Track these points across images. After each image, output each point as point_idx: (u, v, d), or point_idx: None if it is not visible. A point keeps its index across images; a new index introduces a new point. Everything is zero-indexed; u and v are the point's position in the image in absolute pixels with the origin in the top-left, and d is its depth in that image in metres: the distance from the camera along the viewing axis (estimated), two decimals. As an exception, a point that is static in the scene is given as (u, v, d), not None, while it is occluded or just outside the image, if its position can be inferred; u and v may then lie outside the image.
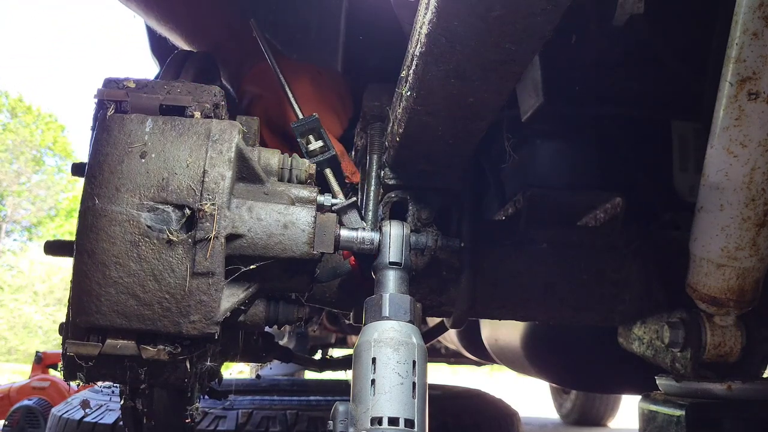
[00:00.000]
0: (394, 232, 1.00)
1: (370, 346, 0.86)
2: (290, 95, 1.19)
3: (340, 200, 1.08)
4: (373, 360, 0.84)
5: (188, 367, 0.93)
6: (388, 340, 0.86)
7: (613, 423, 5.23)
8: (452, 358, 4.28)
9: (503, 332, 2.38)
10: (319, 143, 1.14)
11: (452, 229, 1.18)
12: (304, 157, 1.13)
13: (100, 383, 1.01)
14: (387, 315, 0.90)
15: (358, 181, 1.27)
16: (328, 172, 1.14)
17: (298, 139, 1.14)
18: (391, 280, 0.97)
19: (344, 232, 1.00)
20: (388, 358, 0.84)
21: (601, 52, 1.32)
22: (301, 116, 1.17)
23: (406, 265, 0.99)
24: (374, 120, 1.18)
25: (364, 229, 1.02)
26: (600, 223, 1.47)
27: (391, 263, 0.98)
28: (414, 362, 0.85)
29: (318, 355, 4.17)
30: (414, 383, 0.84)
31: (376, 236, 1.00)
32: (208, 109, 0.97)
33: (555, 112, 1.37)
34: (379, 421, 0.81)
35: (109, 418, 2.09)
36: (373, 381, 0.83)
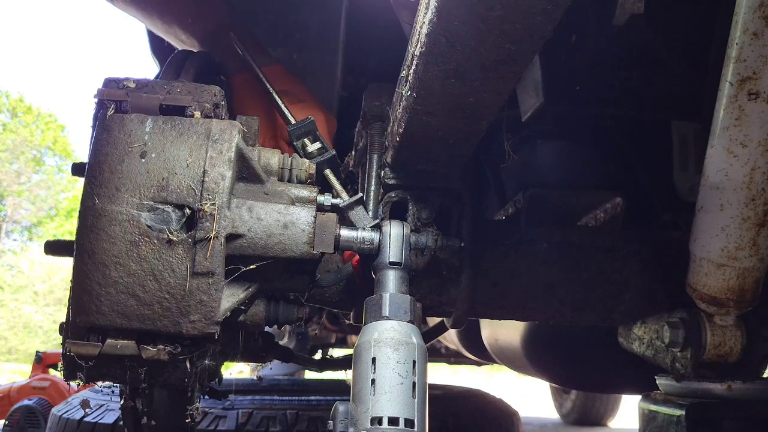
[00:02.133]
0: (394, 232, 1.00)
1: (370, 345, 0.85)
2: (279, 101, 1.20)
3: (344, 198, 1.08)
4: (373, 360, 0.84)
5: (188, 366, 0.93)
6: (388, 340, 0.86)
7: (613, 423, 5.24)
8: (452, 358, 4.28)
9: (503, 332, 2.38)
10: (317, 145, 1.14)
11: (452, 229, 1.18)
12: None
13: (100, 383, 1.01)
14: (387, 315, 0.90)
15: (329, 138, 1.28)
16: (328, 172, 1.14)
17: (294, 143, 1.14)
18: (391, 279, 0.96)
19: (344, 232, 0.99)
20: (388, 357, 0.84)
21: (601, 52, 1.32)
22: (293, 120, 1.17)
23: (406, 265, 0.99)
24: (374, 120, 1.18)
25: (364, 228, 1.01)
26: (600, 223, 1.47)
27: (391, 263, 0.98)
28: (414, 362, 0.85)
29: (318, 355, 4.17)
30: (414, 383, 0.84)
31: (376, 236, 1.00)
32: (208, 109, 0.97)
33: (555, 112, 1.37)
34: (379, 420, 0.81)
35: (109, 418, 2.09)
36: (373, 381, 0.83)
